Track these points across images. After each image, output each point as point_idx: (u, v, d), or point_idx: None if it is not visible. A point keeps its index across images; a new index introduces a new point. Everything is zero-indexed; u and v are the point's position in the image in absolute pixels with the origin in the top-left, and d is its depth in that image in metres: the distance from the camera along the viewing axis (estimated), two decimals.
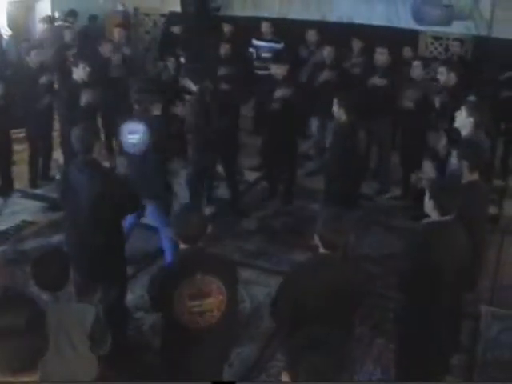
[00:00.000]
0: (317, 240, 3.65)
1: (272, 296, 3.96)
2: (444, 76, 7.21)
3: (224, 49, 9.03)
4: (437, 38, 10.76)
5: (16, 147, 8.55)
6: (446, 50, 10.65)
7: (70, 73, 7.42)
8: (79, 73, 7.22)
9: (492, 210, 6.21)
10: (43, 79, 7.82)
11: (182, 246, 3.67)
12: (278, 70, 7.61)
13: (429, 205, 4.10)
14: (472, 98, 6.78)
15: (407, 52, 9.01)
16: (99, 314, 3.64)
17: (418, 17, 10.33)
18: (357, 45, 9.01)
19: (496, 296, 5.99)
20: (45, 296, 3.52)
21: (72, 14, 11.03)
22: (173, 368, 3.78)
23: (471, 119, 5.36)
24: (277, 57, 8.78)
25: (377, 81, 7.88)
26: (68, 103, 7.29)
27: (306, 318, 3.49)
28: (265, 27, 9.78)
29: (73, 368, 3.53)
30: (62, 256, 3.78)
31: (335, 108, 6.17)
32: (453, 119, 5.60)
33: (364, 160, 6.54)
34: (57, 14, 11.29)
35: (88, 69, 7.27)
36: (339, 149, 6.03)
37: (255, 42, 9.85)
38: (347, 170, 5.95)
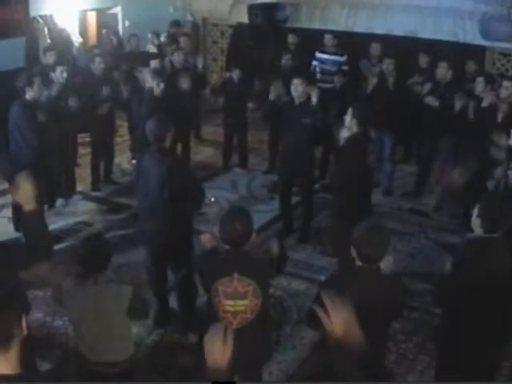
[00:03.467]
0: (353, 252, 3.58)
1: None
2: (509, 91, 7.06)
3: (285, 60, 9.07)
4: (505, 55, 10.52)
5: (81, 151, 8.85)
6: None
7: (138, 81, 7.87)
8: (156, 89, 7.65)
9: None
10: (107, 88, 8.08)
11: (226, 246, 3.77)
12: (298, 88, 6.75)
13: (476, 221, 4.03)
14: None
15: (470, 66, 8.84)
16: (137, 292, 3.85)
17: (485, 32, 10.04)
18: (423, 60, 8.90)
19: None
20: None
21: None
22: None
23: None
24: (304, 73, 8.06)
25: (429, 100, 7.88)
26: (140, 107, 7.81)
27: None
28: (327, 40, 9.70)
29: (107, 348, 3.70)
30: (105, 240, 4.08)
31: (348, 118, 5.90)
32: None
33: (371, 172, 6.32)
34: (127, 23, 11.55)
35: (162, 85, 7.64)
36: (346, 160, 5.89)
37: (318, 54, 9.76)
38: (352, 182, 5.72)
